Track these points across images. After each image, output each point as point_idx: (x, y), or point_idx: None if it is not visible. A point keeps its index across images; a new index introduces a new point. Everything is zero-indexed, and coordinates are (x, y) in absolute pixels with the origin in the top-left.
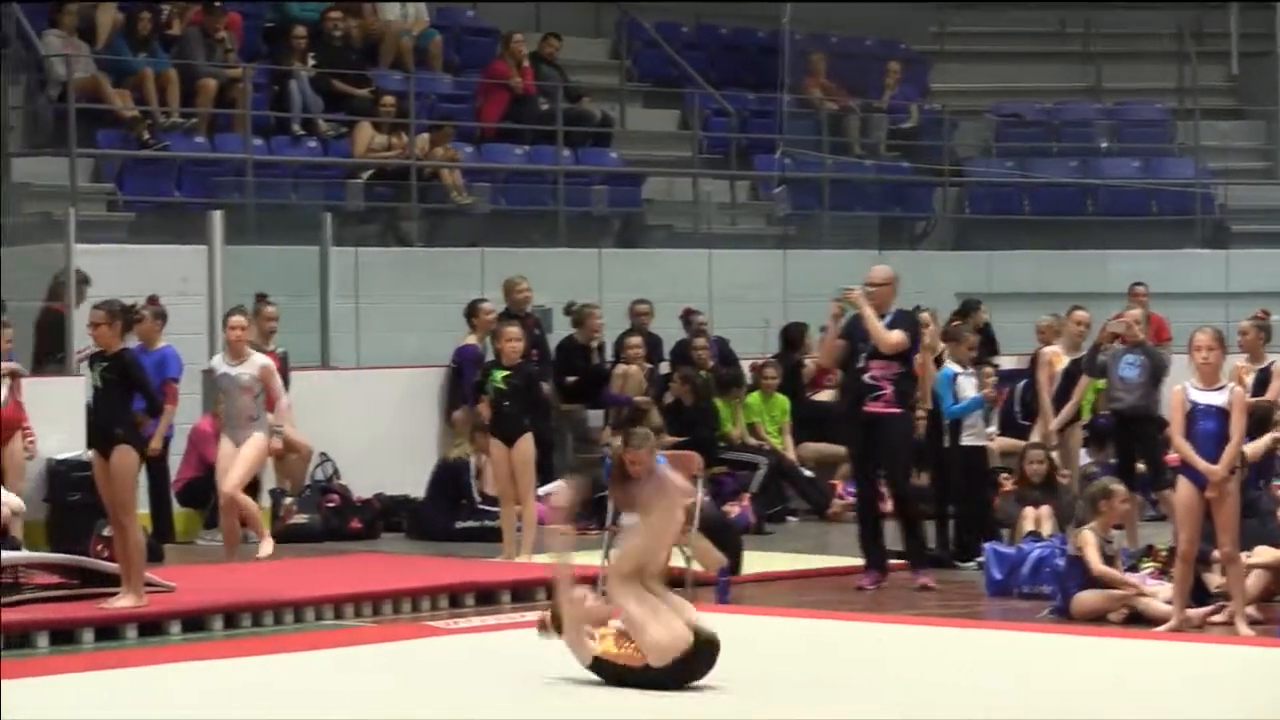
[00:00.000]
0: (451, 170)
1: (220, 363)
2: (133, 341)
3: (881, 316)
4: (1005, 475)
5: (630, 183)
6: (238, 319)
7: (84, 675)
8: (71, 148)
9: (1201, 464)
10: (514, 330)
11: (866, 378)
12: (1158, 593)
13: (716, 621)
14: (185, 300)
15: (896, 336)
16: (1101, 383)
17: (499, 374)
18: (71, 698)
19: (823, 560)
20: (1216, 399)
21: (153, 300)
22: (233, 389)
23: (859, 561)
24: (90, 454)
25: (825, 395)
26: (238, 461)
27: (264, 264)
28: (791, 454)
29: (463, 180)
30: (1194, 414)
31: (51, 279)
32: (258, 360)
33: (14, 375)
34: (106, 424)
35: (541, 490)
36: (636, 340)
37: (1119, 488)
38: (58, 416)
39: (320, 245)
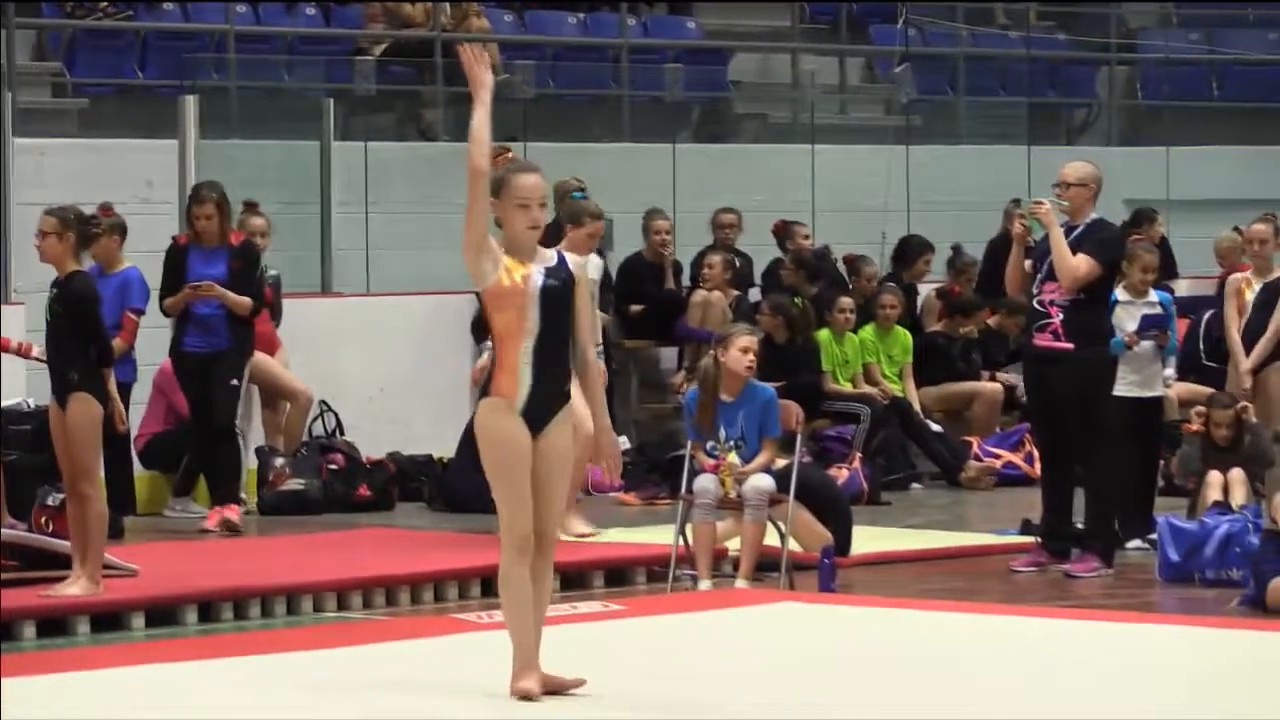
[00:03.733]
0: (486, 45)
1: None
2: (88, 262)
3: (1072, 229)
4: (1186, 425)
5: (713, 60)
6: None
7: (26, 680)
8: (9, 19)
9: None
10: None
11: (1035, 303)
12: None
13: (819, 614)
14: (149, 208)
15: (1084, 268)
16: None
17: None
18: (6, 711)
19: (954, 538)
20: None
21: (106, 209)
22: None
23: (1001, 539)
24: (33, 403)
25: (939, 325)
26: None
27: (250, 163)
28: (915, 402)
29: (501, 57)
30: None
31: None
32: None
33: None
34: (61, 366)
35: None
36: (720, 259)
37: None
38: None
39: (320, 139)
